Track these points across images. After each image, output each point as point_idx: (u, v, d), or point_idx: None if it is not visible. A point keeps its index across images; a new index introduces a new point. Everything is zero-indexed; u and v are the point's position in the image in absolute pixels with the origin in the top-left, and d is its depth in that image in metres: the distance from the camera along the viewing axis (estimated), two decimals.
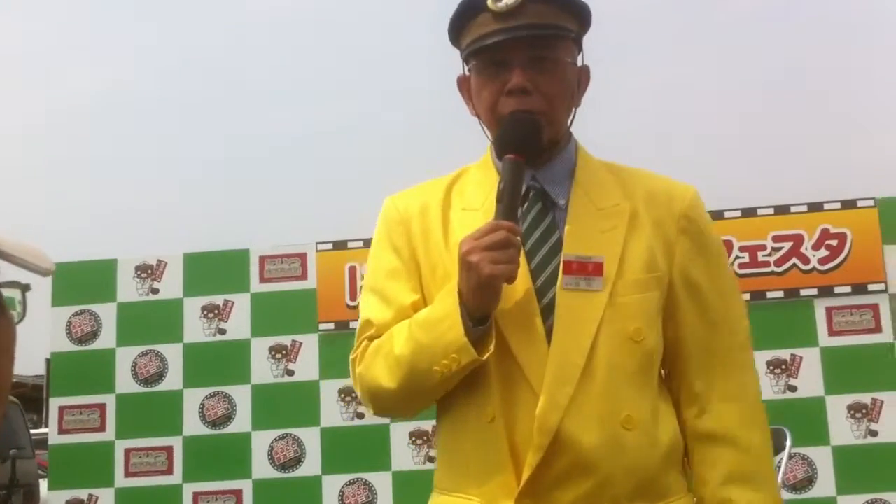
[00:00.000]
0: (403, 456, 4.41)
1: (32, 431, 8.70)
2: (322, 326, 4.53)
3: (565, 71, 1.53)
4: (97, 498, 4.50)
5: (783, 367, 4.26)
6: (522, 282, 1.45)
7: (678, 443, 1.51)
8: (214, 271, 4.65)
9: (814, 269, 4.30)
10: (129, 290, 4.66)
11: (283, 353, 4.53)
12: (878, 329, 4.26)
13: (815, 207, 4.38)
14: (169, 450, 4.52)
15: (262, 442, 4.49)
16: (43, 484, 6.68)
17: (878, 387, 4.20)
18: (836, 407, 4.21)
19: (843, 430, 4.19)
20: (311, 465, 4.45)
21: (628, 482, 1.41)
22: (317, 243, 4.64)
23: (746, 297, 3.91)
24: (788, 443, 3.31)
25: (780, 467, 3.28)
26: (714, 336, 1.53)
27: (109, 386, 4.59)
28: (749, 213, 4.40)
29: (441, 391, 1.48)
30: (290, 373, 4.53)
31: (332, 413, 4.48)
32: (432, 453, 4.39)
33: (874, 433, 4.19)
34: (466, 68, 1.58)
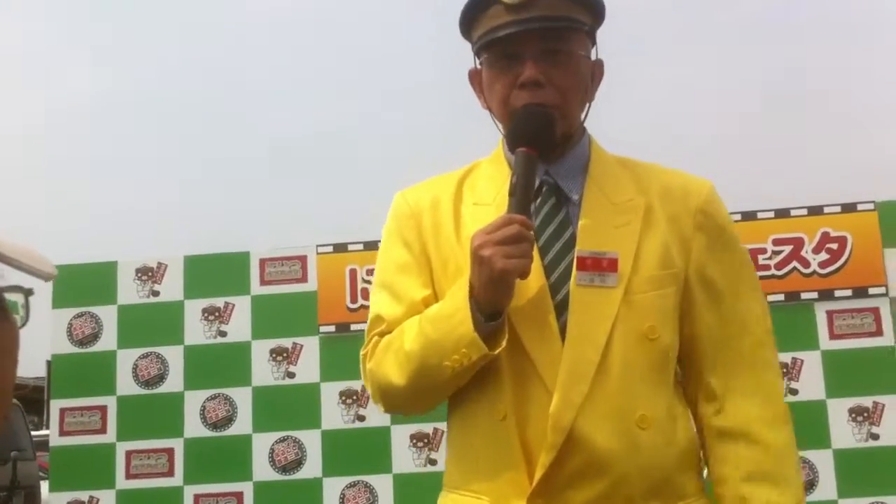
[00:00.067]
0: (404, 458, 4.41)
1: (33, 433, 8.70)
2: (323, 329, 4.53)
3: (579, 64, 1.51)
4: (98, 500, 4.50)
5: (784, 370, 4.26)
6: (536, 278, 1.43)
7: (694, 443, 1.48)
8: (215, 274, 4.65)
9: (814, 272, 4.30)
10: (129, 292, 4.66)
11: (284, 355, 4.54)
12: (879, 332, 4.25)
13: (815, 211, 4.38)
14: (170, 452, 4.52)
15: (262, 444, 4.49)
16: (44, 485, 6.69)
17: (879, 390, 4.20)
18: (838, 410, 4.21)
19: (844, 434, 4.19)
20: (311, 468, 4.45)
21: (643, 482, 1.39)
22: (317, 246, 4.64)
23: None
24: None
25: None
26: (731, 333, 1.50)
27: (110, 388, 4.59)
28: (749, 216, 4.40)
29: (452, 388, 1.47)
30: (291, 375, 4.53)
31: (333, 415, 4.47)
32: (433, 456, 4.39)
33: (875, 436, 4.19)
34: (478, 61, 1.56)
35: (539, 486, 1.38)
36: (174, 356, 4.59)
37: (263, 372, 4.54)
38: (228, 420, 4.52)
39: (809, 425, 4.14)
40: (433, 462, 4.38)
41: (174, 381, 4.57)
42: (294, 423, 4.48)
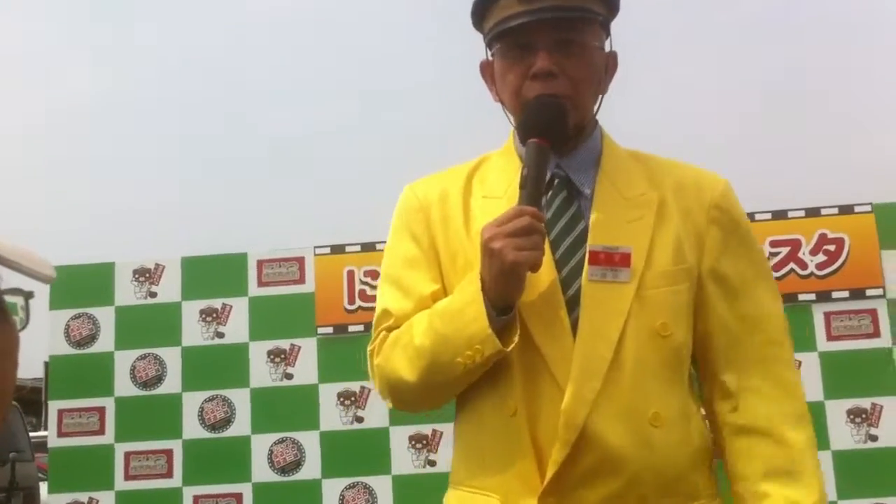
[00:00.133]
0: (403, 460, 4.41)
1: (32, 434, 8.70)
2: (320, 330, 4.53)
3: (592, 55, 1.48)
4: (97, 501, 4.50)
5: None
6: (546, 272, 1.40)
7: (707, 442, 1.46)
8: (212, 275, 4.65)
9: (812, 274, 4.30)
10: (127, 293, 4.66)
11: (282, 356, 4.54)
12: (876, 334, 4.26)
13: (813, 212, 4.39)
14: (168, 453, 4.51)
15: (261, 445, 4.49)
16: (43, 487, 6.68)
17: (877, 391, 4.20)
18: (836, 412, 4.21)
19: (842, 435, 4.19)
20: (310, 469, 4.45)
21: (656, 481, 1.37)
22: (315, 247, 4.64)
23: None
24: None
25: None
26: (747, 330, 1.47)
27: (108, 389, 4.59)
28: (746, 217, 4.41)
29: (463, 384, 1.44)
30: (289, 376, 4.52)
31: (332, 417, 4.48)
32: (432, 457, 4.39)
33: (874, 438, 4.19)
34: (489, 53, 1.53)
35: (551, 484, 1.36)
36: (172, 357, 4.59)
37: (261, 373, 4.54)
38: (227, 421, 4.52)
39: None
40: (432, 463, 4.39)
41: (172, 383, 4.57)
42: (293, 424, 4.48)
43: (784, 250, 4.34)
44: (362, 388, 4.47)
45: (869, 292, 4.27)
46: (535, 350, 1.39)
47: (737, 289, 1.48)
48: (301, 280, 4.58)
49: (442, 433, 4.38)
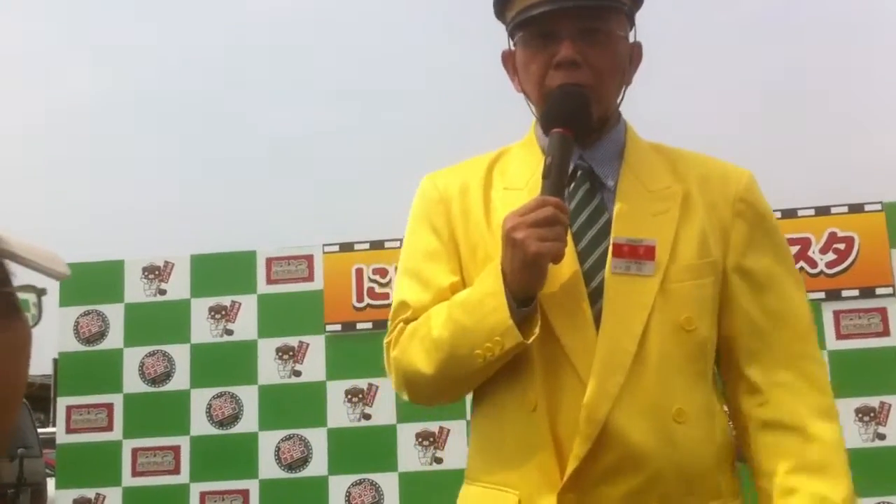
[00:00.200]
0: (410, 457, 4.42)
1: (40, 430, 8.74)
2: (329, 328, 4.54)
3: (617, 45, 1.45)
4: (104, 497, 4.52)
5: None
6: (569, 264, 1.37)
7: (730, 440, 1.44)
8: (221, 273, 4.66)
9: (821, 272, 4.29)
10: (136, 290, 4.68)
11: (290, 353, 4.54)
12: (885, 332, 4.25)
13: (823, 211, 4.38)
14: (176, 449, 4.53)
15: (268, 442, 4.49)
16: (50, 483, 6.70)
17: (885, 390, 4.19)
18: (844, 410, 4.20)
19: (850, 434, 4.18)
20: (317, 466, 4.45)
21: (679, 479, 1.34)
22: (323, 245, 4.65)
23: None
24: None
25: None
26: (774, 325, 1.44)
27: (117, 386, 4.61)
28: None
29: (481, 377, 1.41)
30: (297, 373, 4.53)
31: (339, 414, 4.48)
32: (439, 454, 4.39)
33: (882, 436, 4.18)
34: (511, 42, 1.50)
35: (571, 480, 1.33)
36: (181, 354, 4.60)
37: (269, 370, 4.55)
38: (235, 418, 4.53)
39: None
40: (439, 461, 4.39)
41: (181, 380, 4.58)
42: (300, 421, 4.49)
43: (793, 249, 4.32)
44: (370, 385, 4.48)
45: (879, 291, 4.26)
46: (556, 342, 1.37)
47: (762, 283, 1.45)
48: (310, 278, 4.58)
49: (449, 430, 4.39)
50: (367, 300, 4.52)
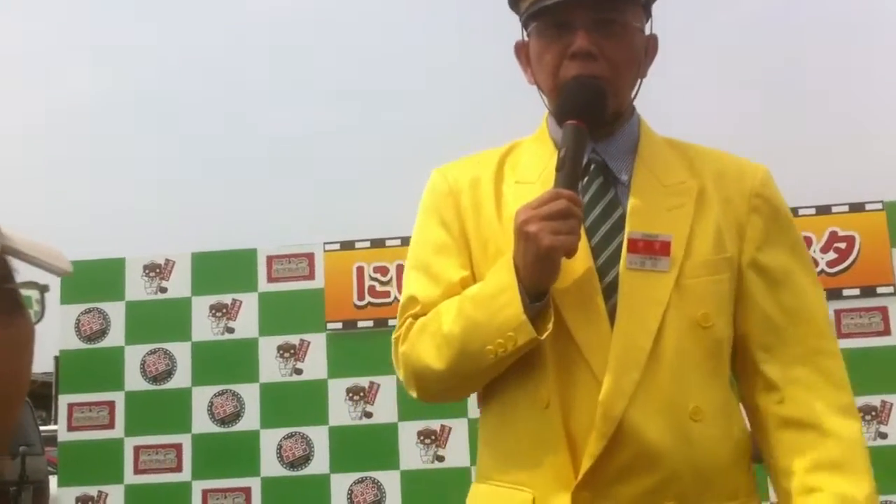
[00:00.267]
0: (412, 455, 4.42)
1: (42, 428, 8.74)
2: (330, 326, 4.54)
3: (633, 36, 1.43)
4: (107, 495, 4.52)
5: None
6: (582, 259, 1.35)
7: (747, 440, 1.41)
8: (222, 271, 4.66)
9: (822, 271, 4.28)
10: (137, 288, 4.68)
11: (291, 351, 4.55)
12: (887, 331, 4.24)
13: (824, 210, 4.37)
14: (178, 447, 4.53)
15: (270, 440, 4.50)
16: (52, 480, 6.71)
17: (887, 389, 4.18)
18: None
19: None
20: (319, 464, 4.46)
21: (695, 478, 1.32)
22: (324, 243, 4.65)
23: None
24: None
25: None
26: (791, 321, 1.41)
27: (118, 383, 4.61)
28: None
29: (492, 374, 1.38)
30: (299, 371, 4.54)
31: (341, 412, 4.48)
32: (441, 452, 4.39)
33: (884, 435, 4.18)
34: (525, 33, 1.48)
35: (586, 478, 1.30)
36: (182, 352, 4.60)
37: (271, 368, 4.55)
38: (236, 416, 4.54)
39: None
40: (441, 459, 4.39)
41: (182, 377, 4.59)
42: (302, 419, 4.49)
43: None
44: (371, 383, 4.48)
45: (880, 290, 4.26)
46: (570, 338, 1.34)
47: (778, 279, 1.43)
48: (311, 276, 4.58)
49: (451, 428, 4.39)
50: (367, 298, 4.53)
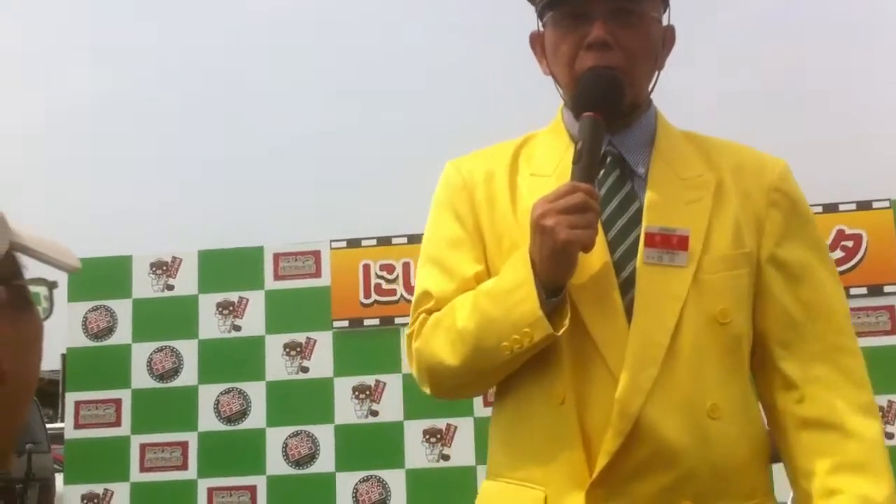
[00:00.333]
0: (417, 454, 4.42)
1: (48, 426, 8.75)
2: (336, 324, 4.54)
3: (650, 27, 1.40)
4: (112, 492, 4.53)
5: None
6: (598, 254, 1.32)
7: (765, 438, 1.39)
8: (229, 268, 4.67)
9: None
10: (144, 286, 4.69)
11: (298, 350, 4.55)
12: (893, 331, 4.23)
13: (831, 208, 4.36)
14: (184, 445, 4.54)
15: (276, 438, 4.50)
16: (59, 478, 6.72)
17: (893, 389, 4.16)
18: None
19: None
20: (325, 462, 4.46)
21: (712, 477, 1.29)
22: (331, 241, 4.65)
23: None
24: None
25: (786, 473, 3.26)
26: (810, 318, 1.38)
27: (125, 381, 4.62)
28: None
29: (508, 370, 1.35)
30: (305, 370, 4.54)
31: (346, 410, 4.49)
32: (446, 451, 4.39)
33: (890, 435, 4.17)
34: (541, 23, 1.46)
35: (601, 476, 1.28)
36: (189, 350, 4.61)
37: (277, 366, 4.55)
38: (242, 414, 4.54)
39: None
40: (446, 457, 4.39)
41: (188, 375, 4.59)
42: (307, 417, 4.49)
43: None
44: (377, 381, 4.48)
45: (887, 289, 4.25)
46: (586, 334, 1.32)
47: (797, 274, 1.40)
48: (317, 274, 4.59)
49: (456, 427, 4.39)
50: (374, 296, 4.53)
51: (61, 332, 4.65)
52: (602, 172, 1.39)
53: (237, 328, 4.60)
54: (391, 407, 4.45)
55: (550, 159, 1.44)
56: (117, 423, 4.58)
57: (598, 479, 1.28)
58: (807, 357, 1.37)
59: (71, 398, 4.66)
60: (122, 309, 4.67)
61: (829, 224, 4.31)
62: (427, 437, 4.42)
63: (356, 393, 4.49)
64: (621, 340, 1.30)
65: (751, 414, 1.37)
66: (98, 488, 4.54)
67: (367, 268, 4.56)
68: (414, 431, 4.43)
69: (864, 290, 4.25)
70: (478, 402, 4.30)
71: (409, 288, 4.45)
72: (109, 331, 4.66)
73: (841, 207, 4.36)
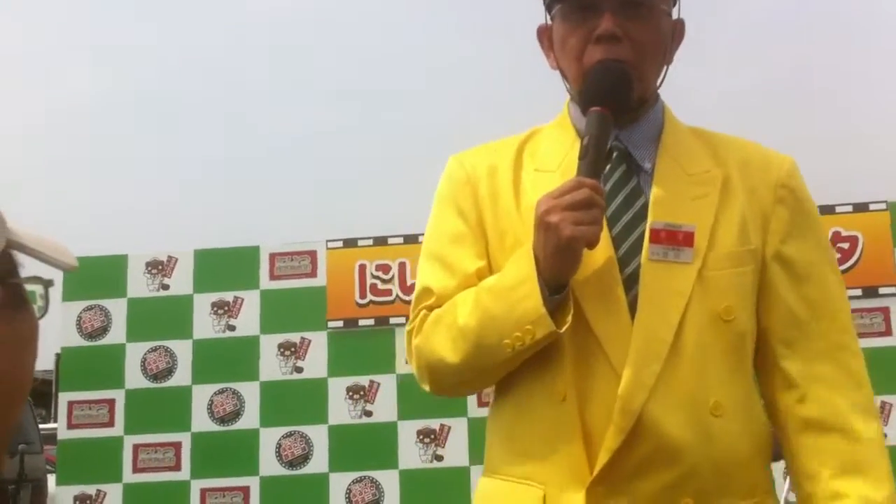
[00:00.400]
0: (411, 454, 4.41)
1: (41, 426, 8.73)
2: (331, 324, 4.53)
3: (660, 20, 1.39)
4: (105, 493, 4.51)
5: None
6: (602, 249, 1.31)
7: (768, 436, 1.38)
8: (224, 268, 4.66)
9: None
10: (139, 285, 4.67)
11: (292, 350, 4.54)
12: (888, 332, 4.24)
13: (827, 210, 4.36)
14: (177, 446, 4.52)
15: (269, 439, 4.49)
16: (51, 479, 6.70)
17: (888, 390, 4.16)
18: None
19: None
20: (318, 463, 4.45)
21: (714, 474, 1.29)
22: (327, 241, 4.64)
23: None
24: None
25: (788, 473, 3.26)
26: (813, 317, 1.37)
27: (119, 381, 4.60)
28: None
29: (509, 367, 1.34)
30: (299, 370, 4.53)
31: (340, 411, 4.48)
32: (440, 452, 4.39)
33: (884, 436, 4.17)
34: (549, 16, 1.44)
35: (602, 473, 1.27)
36: (183, 350, 4.60)
37: (271, 366, 4.54)
38: (236, 414, 4.53)
39: None
40: (439, 458, 4.39)
41: (182, 375, 4.58)
42: (301, 417, 4.48)
43: None
44: (371, 382, 4.47)
45: (882, 290, 4.26)
46: (588, 330, 1.31)
47: (802, 273, 1.39)
48: (313, 274, 4.58)
49: (450, 428, 4.38)
50: (369, 297, 4.52)
51: (55, 331, 4.64)
52: (608, 167, 1.37)
53: (231, 328, 4.59)
54: (385, 407, 4.44)
55: (555, 154, 1.43)
56: (110, 424, 4.57)
57: (598, 477, 1.27)
58: (810, 355, 1.37)
59: (64, 398, 4.64)
60: (117, 308, 4.66)
61: (825, 226, 4.29)
62: (421, 437, 4.42)
63: (350, 393, 4.48)
64: (624, 337, 1.29)
65: (753, 411, 1.37)
66: (91, 489, 4.52)
67: (362, 268, 4.56)
68: (408, 432, 4.43)
69: (859, 292, 4.25)
70: (472, 402, 4.30)
71: (405, 288, 4.45)
72: (104, 330, 4.64)
73: (837, 209, 4.37)
